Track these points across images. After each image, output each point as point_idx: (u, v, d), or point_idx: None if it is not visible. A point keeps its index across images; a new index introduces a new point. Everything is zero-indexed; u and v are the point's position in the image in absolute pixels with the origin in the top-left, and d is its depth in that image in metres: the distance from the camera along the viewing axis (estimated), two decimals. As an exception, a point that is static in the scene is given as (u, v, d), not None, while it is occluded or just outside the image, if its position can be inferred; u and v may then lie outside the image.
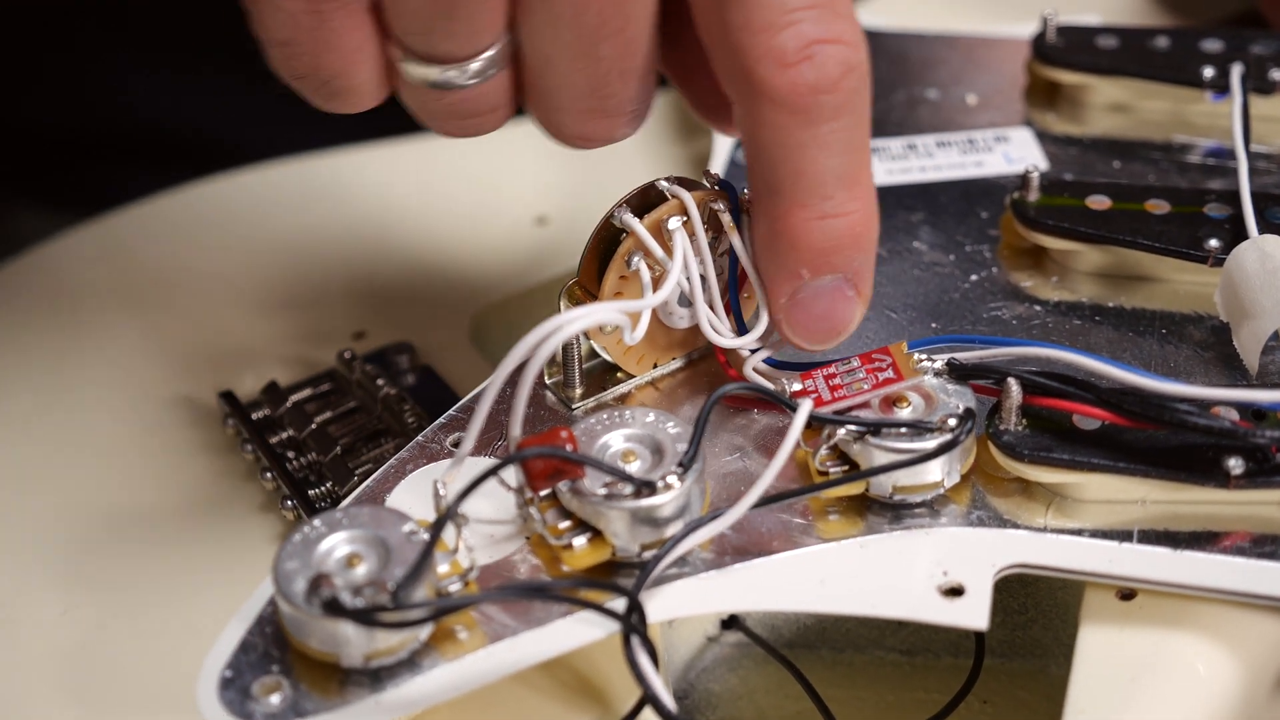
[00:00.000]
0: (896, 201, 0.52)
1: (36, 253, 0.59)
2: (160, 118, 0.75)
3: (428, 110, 0.42)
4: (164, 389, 0.53)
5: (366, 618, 0.37)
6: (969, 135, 0.55)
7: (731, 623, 0.48)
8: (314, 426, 0.49)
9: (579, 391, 0.45)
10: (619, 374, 0.46)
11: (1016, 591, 0.46)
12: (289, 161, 0.61)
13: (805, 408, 0.41)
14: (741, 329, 0.45)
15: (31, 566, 0.47)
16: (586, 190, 0.60)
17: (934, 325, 0.47)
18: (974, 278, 0.49)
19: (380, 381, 0.50)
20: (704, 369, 0.47)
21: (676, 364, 0.46)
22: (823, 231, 0.41)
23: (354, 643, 0.38)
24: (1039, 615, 0.47)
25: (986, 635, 0.46)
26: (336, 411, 0.50)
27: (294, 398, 0.50)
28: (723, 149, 0.54)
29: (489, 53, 0.41)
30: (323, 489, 0.47)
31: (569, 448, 0.40)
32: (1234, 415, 0.41)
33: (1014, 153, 0.54)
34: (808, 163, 0.40)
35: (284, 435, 0.49)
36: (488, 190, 0.60)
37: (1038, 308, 0.48)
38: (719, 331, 0.44)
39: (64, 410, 0.52)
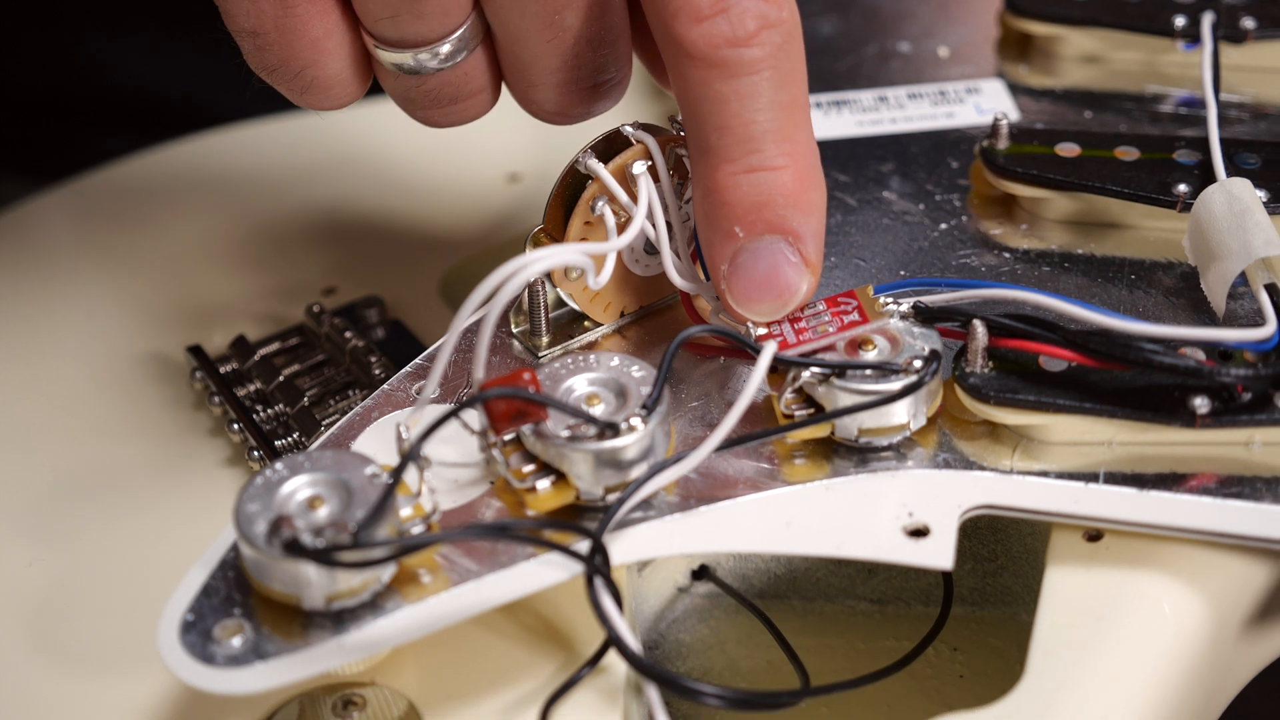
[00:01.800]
0: (867, 152, 0.52)
1: (7, 214, 0.58)
2: (134, 82, 0.75)
3: (410, 99, 0.43)
4: (133, 346, 0.52)
5: (327, 557, 0.37)
6: (940, 87, 0.54)
7: (702, 573, 0.48)
8: (281, 379, 0.49)
9: (545, 340, 0.45)
10: (586, 323, 0.46)
11: (986, 539, 0.46)
12: (260, 122, 0.61)
13: (769, 350, 0.41)
14: (707, 275, 0.45)
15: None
16: (559, 148, 0.59)
17: (903, 273, 0.47)
18: (943, 226, 0.49)
19: (348, 334, 0.50)
20: (671, 318, 0.46)
21: (643, 312, 0.46)
22: (751, 185, 0.41)
23: (315, 584, 0.38)
24: (1009, 562, 0.47)
25: (956, 583, 0.46)
26: (304, 365, 0.49)
27: (262, 351, 0.50)
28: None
29: (458, 32, 0.41)
30: (290, 440, 0.47)
31: (531, 389, 0.40)
32: (1200, 355, 0.41)
33: (985, 104, 0.53)
34: (731, 117, 0.40)
35: (251, 388, 0.49)
36: (460, 148, 0.60)
37: (1007, 255, 0.48)
38: (684, 276, 0.44)
39: (32, 367, 0.52)
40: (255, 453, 0.47)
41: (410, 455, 0.39)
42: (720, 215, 0.41)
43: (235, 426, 0.48)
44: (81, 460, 0.49)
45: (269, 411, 0.48)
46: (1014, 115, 0.53)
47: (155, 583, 0.43)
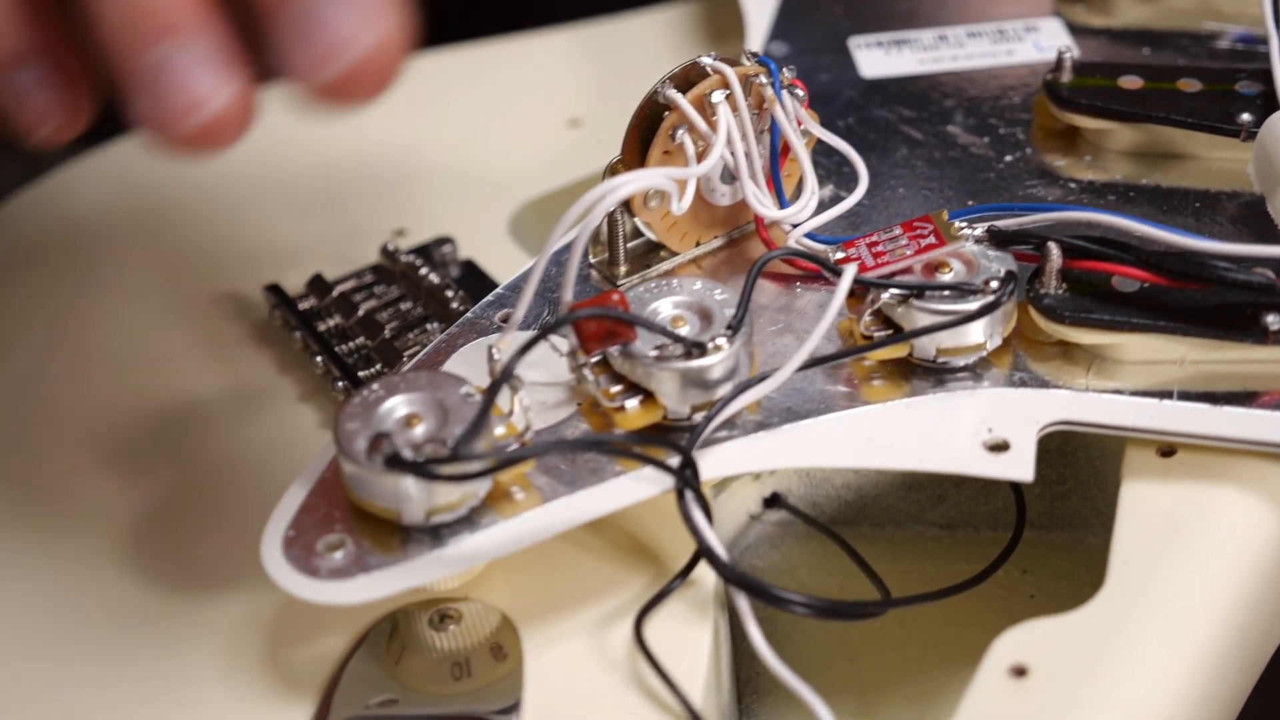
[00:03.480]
0: (930, 88, 0.53)
1: (85, 163, 0.59)
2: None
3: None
4: (209, 286, 0.53)
5: (427, 471, 0.38)
6: (999, 26, 0.55)
7: (774, 501, 0.49)
8: (360, 315, 0.50)
9: (623, 269, 0.46)
10: (661, 253, 0.47)
11: (1055, 462, 0.47)
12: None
13: (850, 271, 0.42)
14: (783, 204, 0.46)
15: (87, 457, 0.48)
16: (618, 94, 0.60)
17: (970, 203, 0.48)
18: (1008, 159, 0.50)
19: (424, 271, 0.51)
20: (744, 248, 0.47)
21: (718, 242, 0.47)
22: None
23: (415, 498, 0.39)
24: (1077, 485, 0.48)
25: (1025, 507, 0.47)
26: (381, 301, 0.50)
27: (339, 289, 0.51)
28: (756, 40, 0.55)
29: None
30: (371, 371, 0.48)
31: (620, 310, 0.41)
32: (1270, 274, 0.42)
33: (1044, 41, 0.54)
34: None
35: (331, 324, 0.50)
36: (521, 94, 0.61)
37: (1073, 186, 0.49)
38: (763, 203, 0.45)
39: (112, 309, 0.53)
40: (339, 383, 0.48)
41: (505, 374, 0.40)
42: None
43: (318, 359, 0.49)
44: (165, 395, 0.50)
45: (349, 345, 0.49)
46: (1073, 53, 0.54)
47: (249, 506, 0.44)
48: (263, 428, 0.48)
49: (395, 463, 0.38)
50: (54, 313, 0.53)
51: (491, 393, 0.39)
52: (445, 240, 0.53)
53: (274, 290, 0.51)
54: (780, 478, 0.49)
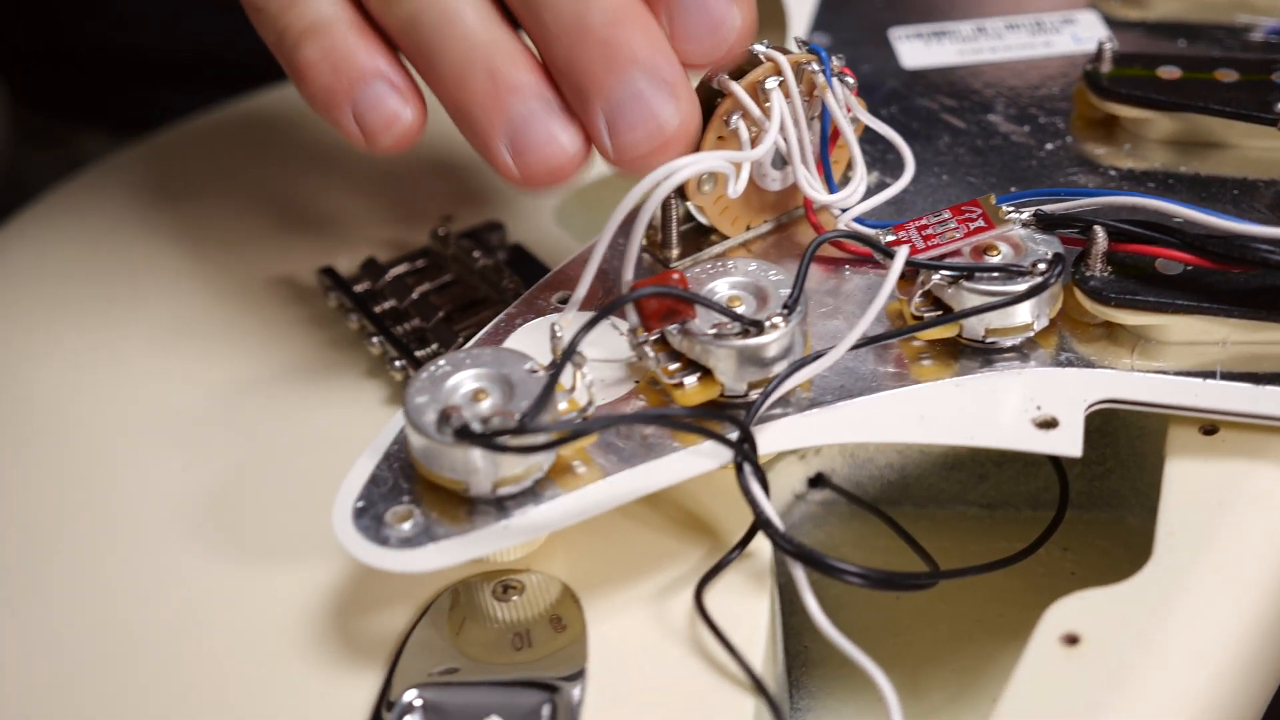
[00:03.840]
0: (970, 78, 0.54)
1: (131, 150, 0.60)
2: (224, 41, 0.77)
3: None
4: (264, 270, 0.54)
5: (496, 443, 0.39)
6: (1036, 18, 0.56)
7: (818, 481, 0.50)
8: (414, 296, 0.51)
9: (675, 252, 0.47)
10: (712, 237, 0.48)
11: (1096, 442, 0.48)
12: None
13: (903, 253, 0.43)
14: (832, 189, 0.47)
15: (154, 437, 0.49)
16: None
17: (1013, 189, 0.49)
18: (1049, 147, 0.51)
19: (476, 254, 0.52)
20: (792, 232, 0.48)
21: (766, 227, 0.48)
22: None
23: (483, 470, 0.40)
24: (1117, 466, 0.49)
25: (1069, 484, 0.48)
26: (435, 283, 0.51)
27: (393, 271, 0.52)
28: (798, 26, 0.56)
29: None
30: (429, 350, 0.49)
31: (680, 289, 0.42)
32: (1311, 258, 0.43)
33: (1081, 33, 0.55)
34: None
35: (386, 305, 0.51)
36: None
37: (1112, 173, 0.50)
38: (815, 188, 0.46)
39: (166, 295, 0.54)
40: (396, 363, 0.49)
41: (570, 349, 0.41)
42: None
43: (374, 340, 0.50)
44: (226, 377, 0.51)
45: (405, 327, 0.50)
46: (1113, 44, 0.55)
47: (312, 484, 0.46)
48: (324, 406, 0.49)
49: (465, 435, 0.40)
50: (113, 298, 0.54)
51: (558, 367, 0.41)
52: (494, 225, 0.54)
53: (329, 273, 0.52)
54: (825, 458, 0.50)
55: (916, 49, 0.55)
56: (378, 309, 0.51)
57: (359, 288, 0.52)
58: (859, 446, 0.50)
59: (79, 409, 0.50)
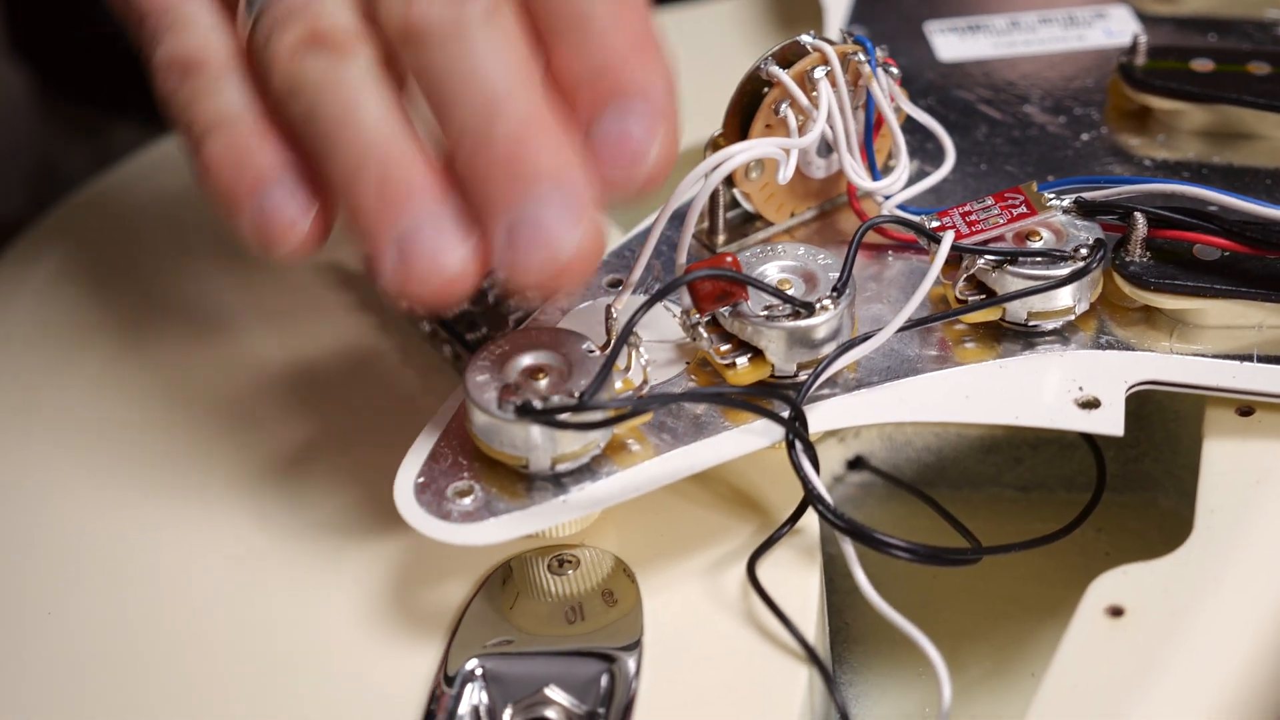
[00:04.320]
0: (1006, 70, 0.55)
1: (172, 141, 0.61)
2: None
3: None
4: (312, 256, 0.55)
5: (557, 419, 0.40)
6: (1069, 12, 0.58)
7: (857, 463, 0.52)
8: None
9: (722, 239, 0.48)
10: (757, 224, 0.49)
11: (1130, 426, 0.49)
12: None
13: (949, 238, 0.44)
14: (875, 177, 0.48)
15: (215, 419, 0.50)
16: (698, 76, 0.62)
17: (1050, 178, 0.50)
18: (1084, 137, 0.52)
19: (523, 241, 0.53)
20: (835, 219, 0.50)
21: (810, 214, 0.49)
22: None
23: (542, 446, 0.41)
24: (1150, 448, 0.50)
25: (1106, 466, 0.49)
26: (484, 268, 0.52)
27: (441, 258, 0.53)
28: (835, 21, 0.57)
29: None
30: (479, 334, 0.50)
31: (733, 272, 0.43)
32: (1346, 244, 0.44)
33: (1114, 27, 0.57)
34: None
35: (435, 290, 0.52)
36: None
37: (1147, 164, 0.51)
38: (860, 175, 0.47)
39: (214, 282, 0.55)
40: (445, 347, 0.50)
41: (627, 330, 0.42)
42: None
43: (424, 324, 0.51)
44: (279, 358, 0.51)
45: (455, 312, 0.51)
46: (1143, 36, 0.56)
47: (369, 462, 0.47)
48: (377, 387, 0.50)
49: (526, 412, 0.41)
50: (166, 286, 0.55)
51: (616, 347, 0.42)
52: (540, 214, 0.55)
53: (377, 259, 0.53)
54: (863, 441, 0.51)
55: (952, 42, 0.57)
56: (427, 293, 0.52)
57: (408, 273, 0.53)
58: (897, 429, 0.51)
59: (143, 395, 0.51)
